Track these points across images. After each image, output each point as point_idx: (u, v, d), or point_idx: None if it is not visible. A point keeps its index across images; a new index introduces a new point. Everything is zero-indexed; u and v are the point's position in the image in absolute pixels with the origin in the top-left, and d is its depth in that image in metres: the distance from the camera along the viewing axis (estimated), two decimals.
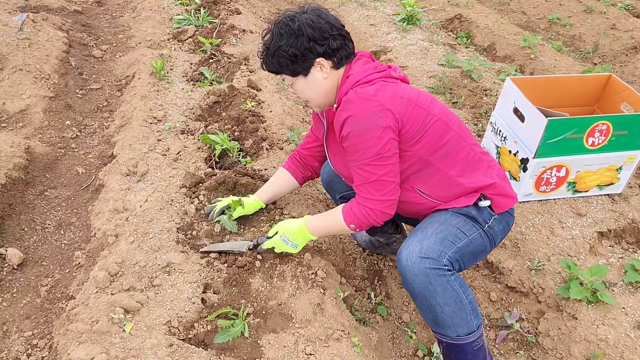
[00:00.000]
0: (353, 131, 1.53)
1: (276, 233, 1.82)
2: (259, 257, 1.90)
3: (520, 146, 2.35)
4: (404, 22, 4.54)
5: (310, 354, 1.60)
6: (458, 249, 1.63)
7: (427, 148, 1.61)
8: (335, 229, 1.75)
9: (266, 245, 1.84)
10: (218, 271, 1.87)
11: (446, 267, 1.58)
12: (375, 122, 1.51)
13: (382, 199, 1.58)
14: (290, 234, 1.79)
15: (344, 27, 1.67)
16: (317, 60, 1.61)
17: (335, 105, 1.65)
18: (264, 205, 2.07)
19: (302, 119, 3.12)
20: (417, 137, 1.59)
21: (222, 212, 2.06)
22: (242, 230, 2.04)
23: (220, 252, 1.93)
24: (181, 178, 2.34)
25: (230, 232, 2.01)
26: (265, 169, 2.39)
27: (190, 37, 3.90)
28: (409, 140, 1.58)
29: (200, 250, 1.94)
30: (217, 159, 2.52)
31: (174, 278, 1.83)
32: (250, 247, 1.91)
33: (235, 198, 2.02)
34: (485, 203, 1.68)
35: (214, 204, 2.08)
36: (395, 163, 1.57)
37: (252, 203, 2.03)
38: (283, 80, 1.71)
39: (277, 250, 1.84)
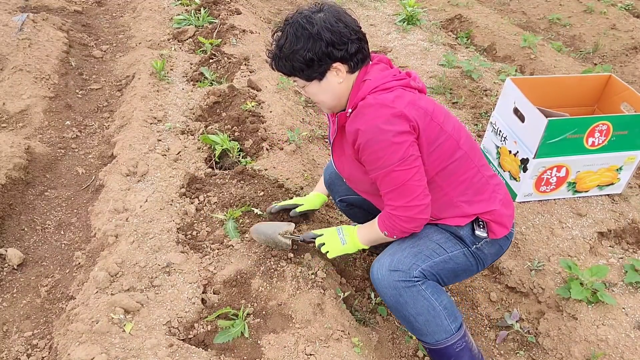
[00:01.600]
0: (372, 139, 1.47)
1: (320, 235, 1.80)
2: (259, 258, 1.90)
3: (520, 146, 2.35)
4: (404, 22, 4.54)
5: (310, 354, 1.60)
6: (434, 264, 1.61)
7: (434, 165, 1.57)
8: (376, 236, 1.68)
9: (318, 240, 1.79)
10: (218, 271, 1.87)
11: (416, 279, 1.57)
12: (396, 127, 1.46)
13: (409, 205, 1.52)
14: (348, 234, 1.76)
15: (361, 28, 1.59)
16: (334, 65, 1.54)
17: (349, 110, 1.58)
18: (326, 198, 2.12)
19: (302, 119, 3.12)
20: (427, 151, 1.54)
21: (285, 210, 2.07)
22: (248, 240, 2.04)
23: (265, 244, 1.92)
24: (181, 178, 2.34)
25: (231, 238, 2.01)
26: (265, 169, 2.39)
27: (190, 37, 3.90)
28: (423, 154, 1.54)
29: (251, 233, 1.95)
30: (217, 159, 2.52)
31: (174, 278, 1.83)
32: (295, 242, 1.90)
33: (299, 201, 2.05)
34: (482, 233, 1.65)
35: (277, 206, 2.06)
36: (420, 166, 1.51)
37: (313, 198, 2.06)
38: (294, 82, 1.65)
39: (324, 245, 1.78)
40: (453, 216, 1.66)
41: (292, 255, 1.93)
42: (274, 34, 1.59)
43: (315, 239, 1.81)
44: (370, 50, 1.64)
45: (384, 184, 1.54)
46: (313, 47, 1.50)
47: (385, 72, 1.59)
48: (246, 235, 2.02)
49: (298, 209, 2.04)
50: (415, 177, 1.50)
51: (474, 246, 1.67)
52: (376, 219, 1.66)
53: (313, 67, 1.54)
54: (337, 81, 1.57)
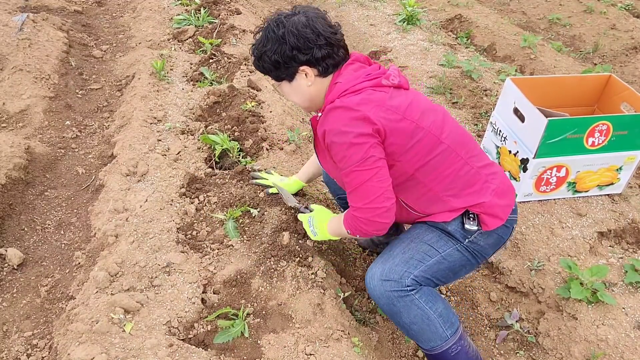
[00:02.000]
0: (335, 141, 1.49)
1: (311, 212, 1.89)
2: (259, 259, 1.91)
3: (520, 146, 2.35)
4: (404, 22, 4.54)
5: (310, 354, 1.60)
6: (427, 267, 1.60)
7: (413, 162, 1.55)
8: (343, 232, 1.69)
9: (300, 217, 1.91)
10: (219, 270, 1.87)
11: (409, 288, 1.56)
12: (355, 129, 1.46)
13: (369, 207, 1.50)
14: (317, 221, 1.82)
15: (337, 33, 1.60)
16: (301, 68, 1.58)
17: (320, 114, 1.60)
18: (304, 185, 2.18)
19: (302, 119, 3.12)
20: (402, 151, 1.53)
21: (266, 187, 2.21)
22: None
23: (272, 191, 2.12)
24: (181, 178, 2.34)
25: (232, 238, 2.01)
26: (266, 169, 2.39)
27: (190, 37, 3.89)
28: (392, 154, 1.52)
29: (253, 176, 2.21)
30: (217, 159, 2.52)
31: (174, 278, 1.83)
32: (293, 208, 2.03)
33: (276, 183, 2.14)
34: (472, 226, 1.61)
35: (259, 175, 2.20)
36: (382, 167, 1.49)
37: (292, 183, 2.14)
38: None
39: (303, 224, 1.89)
40: (441, 211, 1.64)
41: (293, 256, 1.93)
42: (255, 34, 1.66)
43: (300, 212, 1.94)
44: (350, 53, 1.64)
45: (346, 184, 1.55)
46: (278, 50, 1.55)
47: (359, 72, 1.58)
48: (246, 235, 2.02)
49: (270, 190, 2.15)
50: (374, 178, 1.48)
51: (467, 240, 1.63)
52: (342, 215, 1.67)
53: (280, 69, 1.60)
54: (306, 84, 1.61)
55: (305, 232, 1.92)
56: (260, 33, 1.62)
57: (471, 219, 1.63)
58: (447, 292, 2.26)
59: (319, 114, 1.61)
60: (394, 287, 1.56)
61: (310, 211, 1.90)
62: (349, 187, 1.54)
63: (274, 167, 2.41)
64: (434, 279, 1.62)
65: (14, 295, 1.96)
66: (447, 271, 1.64)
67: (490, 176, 1.65)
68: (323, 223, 1.79)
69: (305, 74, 1.59)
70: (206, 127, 2.73)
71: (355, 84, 1.53)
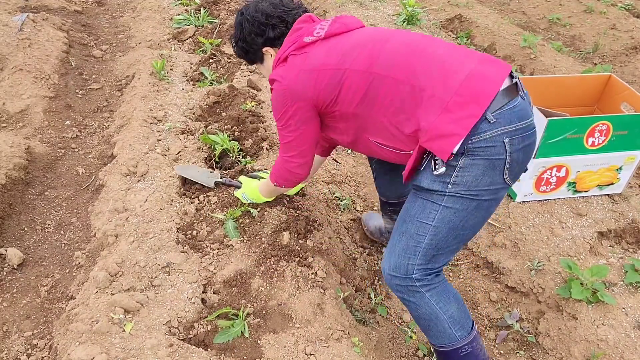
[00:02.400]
0: (272, 103, 1.66)
1: (241, 184, 2.11)
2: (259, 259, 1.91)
3: None
4: (404, 22, 4.53)
5: (310, 354, 1.60)
6: (426, 248, 1.47)
7: (346, 104, 1.52)
8: (271, 188, 1.92)
9: (235, 194, 2.12)
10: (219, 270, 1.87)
11: (418, 283, 1.50)
12: (282, 99, 1.59)
13: (287, 159, 1.73)
14: (249, 194, 2.06)
15: (293, 9, 1.69)
16: (264, 49, 1.72)
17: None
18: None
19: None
20: (333, 98, 1.53)
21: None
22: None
23: (191, 181, 2.25)
24: (181, 178, 2.34)
25: (232, 238, 2.01)
26: (266, 169, 2.39)
27: (190, 37, 3.89)
28: (328, 105, 1.56)
29: (175, 170, 2.29)
30: (217, 159, 2.52)
31: (174, 278, 1.83)
32: (218, 183, 2.20)
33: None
34: (440, 168, 1.40)
35: (257, 175, 2.19)
36: (303, 132, 1.63)
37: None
38: None
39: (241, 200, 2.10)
40: (398, 145, 1.51)
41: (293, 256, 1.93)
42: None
43: (236, 186, 2.14)
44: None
45: (279, 137, 1.72)
46: (241, 37, 1.74)
47: (289, 38, 1.63)
48: (246, 235, 2.02)
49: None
50: (295, 141, 1.66)
51: (449, 186, 1.41)
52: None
53: (248, 54, 1.77)
54: (273, 63, 1.71)
55: (303, 233, 2.01)
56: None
57: (435, 161, 1.42)
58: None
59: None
60: (402, 282, 1.52)
61: (240, 183, 2.13)
62: (280, 140, 1.73)
63: None
64: (438, 255, 1.49)
65: (14, 295, 1.96)
66: (451, 235, 1.47)
67: (435, 88, 1.38)
68: (254, 191, 2.04)
69: (271, 55, 1.73)
70: (206, 127, 2.73)
71: (280, 54, 1.63)
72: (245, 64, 3.42)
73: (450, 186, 1.40)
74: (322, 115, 1.65)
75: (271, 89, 1.66)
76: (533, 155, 1.63)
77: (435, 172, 1.40)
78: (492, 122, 1.36)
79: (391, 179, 2.09)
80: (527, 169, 1.53)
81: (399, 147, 1.52)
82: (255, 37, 1.69)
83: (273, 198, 2.09)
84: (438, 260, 1.50)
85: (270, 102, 1.74)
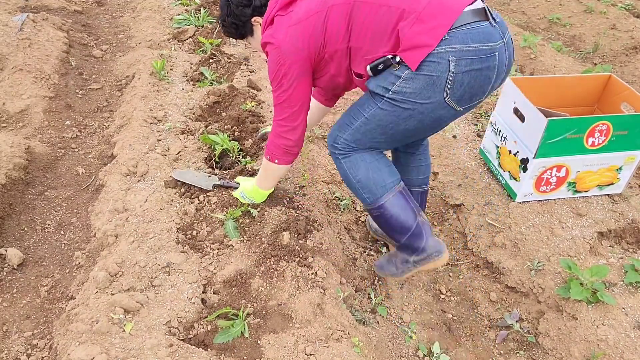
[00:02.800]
0: (268, 70, 1.75)
1: (239, 184, 2.14)
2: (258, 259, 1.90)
3: (520, 146, 2.35)
4: None
5: (310, 354, 1.60)
6: (355, 129, 1.72)
7: (333, 41, 1.63)
8: (265, 171, 1.98)
9: (234, 194, 2.14)
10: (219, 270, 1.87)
11: (338, 152, 1.79)
12: (275, 58, 1.67)
13: (279, 123, 1.80)
14: (246, 192, 2.09)
15: None
16: (252, 20, 1.84)
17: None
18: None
19: None
20: (321, 40, 1.63)
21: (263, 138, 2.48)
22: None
23: (189, 184, 2.24)
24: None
25: (231, 238, 2.01)
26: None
27: (190, 37, 3.89)
28: (319, 50, 1.66)
29: (172, 174, 2.28)
30: (217, 159, 2.52)
31: (174, 278, 1.83)
32: (216, 186, 2.21)
33: None
34: (394, 68, 1.55)
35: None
36: (295, 89, 1.70)
37: None
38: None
39: (240, 200, 2.12)
40: (375, 53, 1.61)
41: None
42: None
43: (234, 187, 2.16)
44: None
45: (273, 101, 1.80)
46: (229, 13, 1.83)
47: (271, 1, 1.75)
48: (246, 235, 2.02)
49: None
50: (287, 101, 1.74)
51: (389, 92, 1.57)
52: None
53: (239, 28, 1.87)
54: (262, 31, 1.80)
55: (300, 232, 2.03)
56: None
57: (395, 63, 1.54)
58: (447, 292, 2.26)
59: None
60: (330, 148, 1.83)
61: (237, 184, 2.16)
62: (273, 102, 1.80)
63: None
64: (363, 139, 1.73)
65: (14, 295, 1.96)
66: (378, 130, 1.69)
67: (412, 5, 1.50)
68: (254, 188, 2.06)
69: (258, 24, 1.84)
70: (206, 127, 2.73)
71: (266, 18, 1.75)
72: (245, 64, 3.42)
73: (390, 93, 1.59)
74: (315, 66, 1.73)
75: (266, 53, 1.75)
76: (493, 85, 1.59)
77: (395, 72, 1.56)
78: (444, 39, 1.45)
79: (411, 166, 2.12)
80: (483, 98, 1.63)
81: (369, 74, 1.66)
82: (243, 8, 1.80)
83: (271, 190, 2.09)
84: (361, 142, 1.75)
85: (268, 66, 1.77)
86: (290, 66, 1.65)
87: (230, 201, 2.17)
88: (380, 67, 1.58)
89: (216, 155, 2.49)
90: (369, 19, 1.55)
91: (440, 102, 1.55)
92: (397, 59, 1.53)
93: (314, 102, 2.19)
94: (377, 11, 1.53)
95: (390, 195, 1.79)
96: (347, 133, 1.74)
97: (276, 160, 1.87)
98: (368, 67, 1.61)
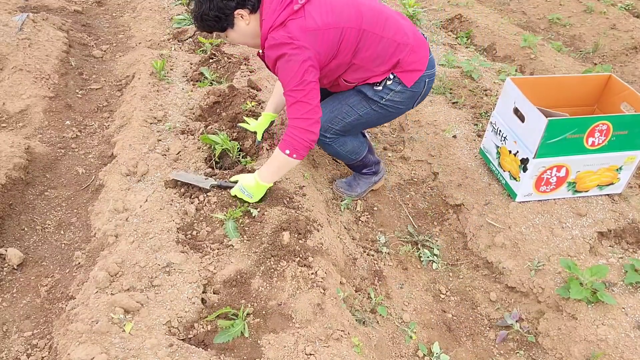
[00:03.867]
0: (279, 67, 1.92)
1: (237, 181, 2.16)
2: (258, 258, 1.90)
3: (520, 146, 2.35)
4: None
5: (310, 354, 1.60)
6: (346, 124, 2.18)
7: (342, 56, 1.99)
8: (278, 164, 2.05)
9: (233, 192, 2.15)
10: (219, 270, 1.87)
11: (329, 139, 2.23)
12: (295, 57, 1.85)
13: (304, 117, 1.93)
14: (246, 186, 2.10)
15: None
16: (236, 12, 1.90)
17: (261, 51, 2.02)
18: (275, 116, 2.50)
19: None
20: (333, 52, 1.95)
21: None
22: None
23: (187, 184, 2.26)
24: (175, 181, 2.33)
25: (231, 238, 2.01)
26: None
27: (190, 37, 3.89)
28: (329, 59, 1.97)
29: (170, 175, 2.29)
30: (217, 159, 2.52)
31: (174, 278, 1.83)
32: (214, 186, 2.21)
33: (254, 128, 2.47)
34: (389, 83, 2.09)
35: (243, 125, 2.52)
36: (313, 88, 1.91)
37: (264, 119, 2.47)
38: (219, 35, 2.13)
39: (238, 196, 2.14)
40: (372, 76, 2.09)
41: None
42: (188, 4, 1.99)
43: (230, 187, 2.17)
44: None
45: (287, 101, 1.95)
46: (212, 6, 1.88)
47: (273, 4, 1.88)
48: (246, 235, 2.02)
49: (249, 127, 2.49)
50: (307, 96, 1.91)
51: (383, 100, 2.12)
52: (275, 150, 2.04)
53: (221, 21, 1.92)
54: (245, 24, 1.95)
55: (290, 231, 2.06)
56: (193, 1, 1.94)
57: (393, 79, 2.08)
58: (447, 292, 2.26)
59: (260, 51, 2.03)
60: (321, 138, 2.19)
61: (234, 182, 2.18)
62: (289, 103, 1.94)
63: None
64: (352, 129, 2.22)
65: (14, 295, 1.96)
66: (364, 124, 2.24)
67: (403, 38, 2.04)
68: (253, 184, 2.09)
69: (241, 16, 1.92)
70: (206, 127, 2.73)
71: (275, 17, 1.87)
72: (245, 64, 3.42)
73: (384, 100, 2.13)
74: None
75: (263, 51, 1.93)
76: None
77: (375, 88, 2.11)
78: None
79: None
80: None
81: (359, 82, 2.12)
82: (228, 1, 1.87)
83: (271, 184, 2.15)
84: (347, 132, 2.24)
85: (277, 64, 1.92)
86: (310, 66, 1.88)
87: (230, 201, 2.17)
88: (380, 81, 2.10)
89: (216, 155, 2.49)
90: (373, 47, 2.01)
91: (410, 107, 2.24)
92: (392, 76, 2.09)
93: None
94: (379, 42, 2.01)
95: (366, 149, 2.39)
96: (339, 125, 2.18)
97: (295, 155, 1.98)
98: (374, 82, 2.10)
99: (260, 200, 2.16)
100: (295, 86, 1.89)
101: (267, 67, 2.06)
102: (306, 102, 1.91)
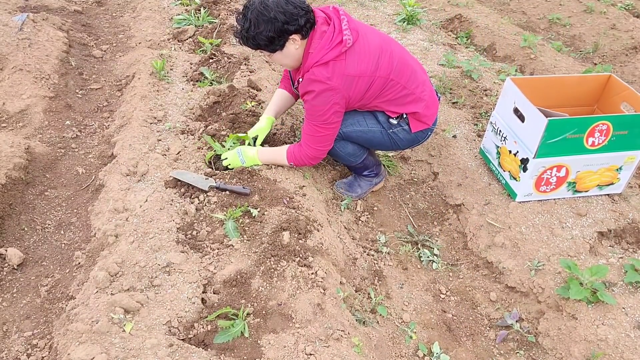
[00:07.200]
0: (310, 101, 2.09)
1: (236, 185, 2.23)
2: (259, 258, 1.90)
3: (520, 146, 2.35)
4: (404, 22, 4.53)
5: (310, 354, 1.60)
6: (353, 130, 2.32)
7: (366, 99, 2.20)
8: (278, 159, 2.33)
9: (223, 155, 2.35)
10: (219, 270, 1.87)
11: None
12: (327, 99, 2.06)
13: (318, 149, 2.24)
14: (244, 152, 2.32)
15: (306, 1, 2.05)
16: (292, 37, 2.01)
17: (300, 78, 2.16)
18: (275, 120, 2.55)
19: (302, 118, 3.12)
20: (361, 96, 2.17)
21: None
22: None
23: (187, 184, 2.27)
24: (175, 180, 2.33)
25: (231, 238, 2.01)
26: (265, 169, 2.39)
27: (190, 37, 3.89)
28: (356, 101, 2.18)
29: (170, 173, 2.31)
30: (209, 161, 2.52)
31: (174, 278, 1.83)
32: (212, 187, 2.23)
33: (241, 134, 2.47)
34: (401, 120, 2.30)
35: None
36: (335, 128, 2.19)
37: (265, 123, 2.48)
38: (261, 53, 2.22)
39: (229, 163, 2.34)
40: (386, 110, 2.29)
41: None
42: (237, 18, 2.07)
43: (230, 189, 2.21)
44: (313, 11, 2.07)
45: (307, 128, 2.19)
46: (272, 28, 1.97)
47: (323, 39, 2.03)
48: (246, 235, 2.02)
49: (257, 142, 2.49)
50: (329, 134, 2.20)
51: (390, 130, 2.32)
52: (282, 148, 2.31)
53: (274, 42, 2.03)
54: (295, 47, 2.07)
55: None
56: (245, 17, 2.01)
57: (403, 119, 2.30)
58: (447, 292, 2.26)
59: (300, 78, 2.16)
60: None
61: (234, 184, 2.25)
62: (308, 132, 2.19)
63: (274, 167, 2.41)
64: (354, 138, 2.34)
65: (14, 295, 1.96)
66: (366, 141, 2.38)
67: (422, 93, 2.27)
68: (250, 155, 2.31)
69: (294, 40, 2.03)
70: (206, 127, 2.73)
71: (322, 55, 2.02)
72: (245, 64, 3.42)
73: (390, 130, 2.34)
74: None
75: (310, 84, 2.04)
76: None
77: (390, 120, 2.32)
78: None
79: None
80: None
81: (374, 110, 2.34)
82: (288, 26, 1.96)
83: (261, 164, 2.36)
84: (349, 137, 2.36)
85: (309, 97, 2.09)
86: (339, 107, 2.11)
87: (230, 201, 2.17)
88: (396, 117, 2.31)
89: (207, 159, 2.49)
90: (394, 93, 2.22)
91: (406, 147, 2.48)
92: (405, 116, 2.30)
93: (284, 93, 2.56)
94: (401, 90, 2.22)
95: (365, 154, 2.47)
96: (347, 129, 2.32)
97: (294, 164, 2.31)
98: (394, 117, 2.32)
99: (261, 200, 2.16)
100: (319, 123, 2.13)
101: (294, 87, 2.31)
102: (325, 138, 2.20)
